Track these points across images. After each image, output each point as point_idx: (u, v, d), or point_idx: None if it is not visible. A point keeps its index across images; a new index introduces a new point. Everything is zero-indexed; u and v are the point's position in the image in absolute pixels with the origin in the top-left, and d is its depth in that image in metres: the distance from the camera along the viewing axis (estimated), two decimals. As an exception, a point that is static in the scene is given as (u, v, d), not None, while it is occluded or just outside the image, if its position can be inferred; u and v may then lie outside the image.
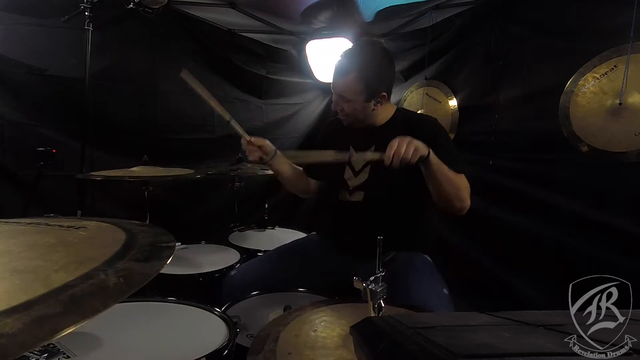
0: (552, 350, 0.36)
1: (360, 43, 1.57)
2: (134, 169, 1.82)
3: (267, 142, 1.54)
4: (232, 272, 1.60)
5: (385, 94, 1.49)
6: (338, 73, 1.45)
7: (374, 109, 1.49)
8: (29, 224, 0.69)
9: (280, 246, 1.74)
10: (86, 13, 1.87)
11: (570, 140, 1.80)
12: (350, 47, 1.54)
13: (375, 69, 1.44)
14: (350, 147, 1.55)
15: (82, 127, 2.02)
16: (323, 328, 0.92)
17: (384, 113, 1.57)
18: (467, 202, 1.38)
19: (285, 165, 1.64)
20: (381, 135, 1.55)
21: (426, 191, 1.51)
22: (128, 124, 2.43)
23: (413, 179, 1.49)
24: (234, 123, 1.47)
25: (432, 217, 1.58)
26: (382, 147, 1.52)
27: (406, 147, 1.19)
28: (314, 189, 1.77)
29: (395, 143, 1.20)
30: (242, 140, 1.50)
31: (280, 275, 1.51)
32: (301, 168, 1.77)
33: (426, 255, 1.54)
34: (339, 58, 1.47)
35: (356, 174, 1.55)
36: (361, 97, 1.45)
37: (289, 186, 1.73)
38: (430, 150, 1.25)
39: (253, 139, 1.51)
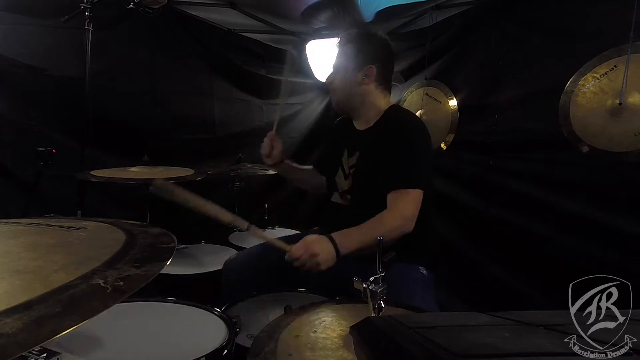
0: (552, 350, 0.36)
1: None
2: (134, 169, 1.82)
3: (280, 147, 1.60)
4: (232, 256, 1.60)
5: (373, 68, 1.43)
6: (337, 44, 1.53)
7: (361, 84, 1.45)
8: (29, 224, 0.69)
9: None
10: (86, 13, 1.87)
11: (570, 140, 1.80)
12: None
13: (366, 34, 1.48)
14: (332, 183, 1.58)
15: (82, 127, 2.01)
16: (323, 329, 0.92)
17: (374, 109, 1.49)
18: (407, 228, 1.29)
19: (288, 171, 1.68)
20: (364, 140, 1.49)
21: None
22: (128, 124, 2.42)
23: None
24: (279, 110, 1.57)
25: (426, 224, 1.41)
26: (363, 154, 1.48)
27: (307, 263, 1.22)
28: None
29: (298, 254, 1.21)
30: (269, 133, 1.59)
31: (279, 274, 1.51)
32: (310, 167, 1.78)
33: (421, 267, 1.43)
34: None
35: (346, 176, 1.52)
36: (351, 65, 1.45)
37: (305, 185, 1.78)
38: (339, 252, 1.23)
39: (276, 138, 1.59)
